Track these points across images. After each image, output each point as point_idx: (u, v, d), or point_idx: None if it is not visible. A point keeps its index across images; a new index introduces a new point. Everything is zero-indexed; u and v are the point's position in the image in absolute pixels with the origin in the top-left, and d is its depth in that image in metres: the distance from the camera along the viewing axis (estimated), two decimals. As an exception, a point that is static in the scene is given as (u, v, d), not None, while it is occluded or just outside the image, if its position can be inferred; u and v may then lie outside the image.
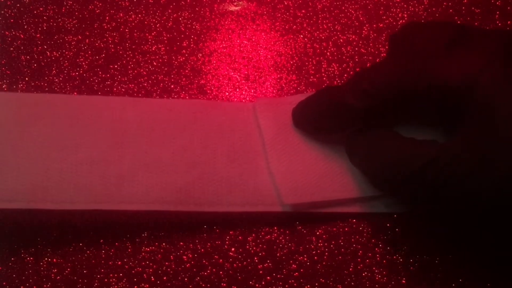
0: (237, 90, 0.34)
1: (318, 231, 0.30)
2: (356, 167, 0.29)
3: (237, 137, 0.31)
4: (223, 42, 0.36)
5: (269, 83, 0.34)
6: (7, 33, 0.35)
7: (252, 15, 0.37)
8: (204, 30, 0.36)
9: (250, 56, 0.35)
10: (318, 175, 0.30)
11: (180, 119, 0.31)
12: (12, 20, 0.36)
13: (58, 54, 0.35)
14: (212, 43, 0.36)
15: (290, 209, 0.29)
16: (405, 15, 0.37)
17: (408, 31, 0.28)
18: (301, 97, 0.31)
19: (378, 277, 0.29)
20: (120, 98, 0.33)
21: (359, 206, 0.30)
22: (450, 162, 0.23)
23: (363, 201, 0.30)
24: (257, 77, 0.35)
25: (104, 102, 0.32)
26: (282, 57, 0.35)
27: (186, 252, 0.29)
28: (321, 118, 0.29)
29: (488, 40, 0.25)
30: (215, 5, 0.37)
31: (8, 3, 0.36)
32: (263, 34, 0.36)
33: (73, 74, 0.34)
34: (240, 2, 0.37)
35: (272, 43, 0.36)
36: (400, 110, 0.27)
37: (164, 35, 0.36)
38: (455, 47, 0.25)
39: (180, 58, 0.35)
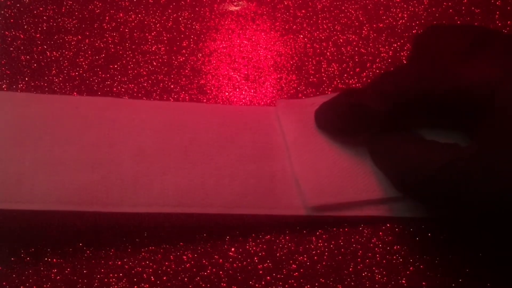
0: (237, 90, 0.34)
1: (318, 231, 0.30)
2: (378, 168, 0.29)
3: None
4: (223, 42, 0.36)
5: (269, 83, 0.34)
6: (7, 33, 0.35)
7: (252, 15, 0.37)
8: (204, 30, 0.36)
9: (250, 56, 0.35)
10: (342, 176, 0.29)
11: (87, 117, 0.30)
12: (12, 20, 0.36)
13: (58, 54, 0.35)
14: (212, 43, 0.36)
15: (311, 212, 0.29)
16: (405, 15, 0.37)
17: (430, 33, 0.28)
18: (322, 99, 0.31)
19: (378, 277, 0.29)
20: (23, 94, 0.32)
21: (381, 210, 0.30)
22: (465, 167, 0.23)
23: (385, 203, 0.30)
24: (257, 77, 0.35)
25: (6, 98, 0.31)
26: (282, 57, 0.35)
27: (186, 252, 0.29)
28: (344, 120, 0.29)
29: (511, 44, 0.25)
30: (215, 5, 0.37)
31: (8, 3, 0.36)
32: (263, 34, 0.36)
33: (73, 74, 0.34)
34: (240, 2, 0.37)
35: (272, 43, 0.36)
36: (422, 113, 0.27)
37: (164, 35, 0.36)
38: (477, 52, 0.25)
39: (180, 58, 0.35)
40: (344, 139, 0.30)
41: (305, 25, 0.37)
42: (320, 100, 0.31)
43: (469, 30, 0.27)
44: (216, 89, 0.34)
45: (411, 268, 0.29)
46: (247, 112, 0.32)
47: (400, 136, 0.28)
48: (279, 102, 0.32)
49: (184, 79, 0.34)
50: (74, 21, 0.36)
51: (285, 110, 0.32)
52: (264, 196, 0.29)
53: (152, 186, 0.28)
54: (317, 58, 0.35)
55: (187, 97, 0.34)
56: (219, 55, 0.35)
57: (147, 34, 0.36)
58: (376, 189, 0.29)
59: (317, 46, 0.36)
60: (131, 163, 0.29)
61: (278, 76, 0.35)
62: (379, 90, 0.27)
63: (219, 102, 0.34)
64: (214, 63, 0.35)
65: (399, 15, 0.37)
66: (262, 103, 0.34)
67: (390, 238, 0.30)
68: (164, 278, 0.29)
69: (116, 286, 0.28)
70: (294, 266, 0.29)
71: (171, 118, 0.31)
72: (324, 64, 0.35)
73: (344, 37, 0.36)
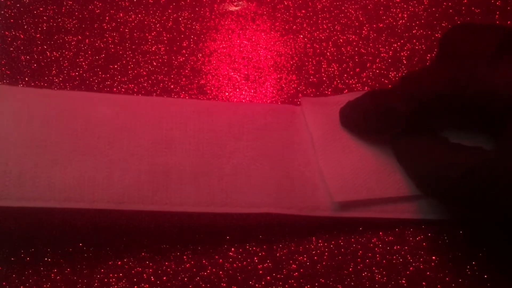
0: (237, 90, 0.34)
1: (318, 231, 0.30)
2: (402, 169, 0.29)
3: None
4: (223, 42, 0.36)
5: (269, 83, 0.34)
6: (7, 33, 0.35)
7: (252, 15, 0.37)
8: (204, 30, 0.36)
9: (250, 56, 0.35)
10: (367, 173, 0.29)
11: None
12: (12, 20, 0.36)
13: (58, 54, 0.35)
14: (212, 43, 0.36)
15: (333, 212, 0.29)
16: (405, 15, 0.37)
17: (457, 33, 0.28)
18: (347, 97, 0.31)
19: (378, 277, 0.29)
20: None
21: (406, 213, 0.30)
22: (490, 171, 0.23)
23: (410, 201, 0.30)
24: (257, 77, 0.35)
25: None
26: (282, 57, 0.35)
27: (186, 252, 0.29)
28: (369, 121, 0.29)
29: None
30: (215, 5, 0.37)
31: (8, 3, 0.36)
32: (263, 34, 0.36)
33: (73, 74, 0.34)
34: (240, 2, 0.37)
35: (272, 43, 0.36)
36: (447, 114, 0.27)
37: (164, 35, 0.36)
38: (505, 54, 0.25)
39: (180, 58, 0.35)
40: (368, 138, 0.30)
41: (305, 25, 0.37)
42: (344, 98, 0.31)
43: (497, 30, 0.27)
44: (216, 89, 0.34)
45: (411, 268, 0.29)
46: (147, 104, 0.31)
47: (424, 137, 0.28)
48: (304, 100, 0.32)
49: (184, 79, 0.34)
50: (74, 21, 0.36)
51: (310, 107, 0.32)
52: (157, 191, 0.28)
53: (38, 179, 0.27)
54: (317, 58, 0.35)
55: (187, 97, 0.34)
56: (219, 55, 0.35)
57: (147, 34, 0.36)
58: (401, 186, 0.29)
59: (317, 46, 0.36)
60: (17, 155, 0.27)
61: (278, 76, 0.35)
62: (404, 91, 0.27)
63: (219, 102, 0.34)
64: (214, 63, 0.35)
65: (399, 15, 0.37)
66: (262, 102, 0.34)
67: (390, 238, 0.30)
68: (164, 278, 0.29)
69: (116, 286, 0.28)
70: (294, 266, 0.29)
71: (63, 107, 0.29)
72: (324, 64, 0.35)
73: (344, 37, 0.36)
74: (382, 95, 0.28)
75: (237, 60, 0.35)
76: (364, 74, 0.35)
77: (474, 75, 0.25)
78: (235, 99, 0.34)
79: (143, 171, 0.28)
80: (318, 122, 0.31)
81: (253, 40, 0.36)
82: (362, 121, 0.30)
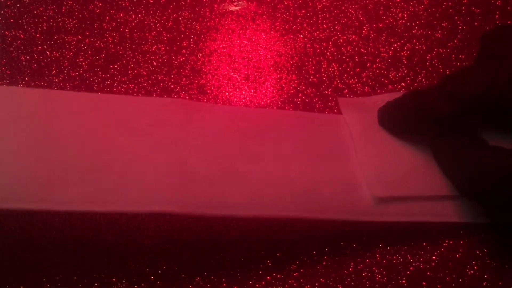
0: (237, 90, 0.34)
1: (318, 231, 0.30)
2: (442, 171, 0.29)
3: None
4: (223, 42, 0.36)
5: (269, 83, 0.34)
6: (7, 33, 0.35)
7: (252, 15, 0.37)
8: (204, 30, 0.36)
9: (250, 56, 0.35)
10: (406, 171, 0.29)
11: None
12: (12, 20, 0.36)
13: (58, 54, 0.35)
14: (212, 43, 0.36)
15: (372, 216, 0.29)
16: (405, 15, 0.37)
17: (498, 34, 0.28)
18: (384, 97, 0.31)
19: (378, 277, 0.29)
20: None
21: (443, 216, 0.29)
22: None
23: (447, 205, 0.29)
24: (257, 77, 0.35)
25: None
26: (282, 57, 0.35)
27: (186, 253, 0.29)
28: (407, 121, 0.29)
29: None
30: (215, 5, 0.37)
31: (8, 3, 0.36)
32: (263, 34, 0.36)
33: (73, 74, 0.34)
34: (240, 2, 0.37)
35: (272, 43, 0.36)
36: (486, 116, 0.27)
37: (164, 35, 0.36)
38: None
39: (180, 58, 0.35)
40: (407, 138, 0.31)
41: (305, 25, 0.37)
42: (382, 98, 0.31)
43: None
44: (216, 89, 0.34)
45: (411, 268, 0.29)
46: (30, 96, 0.30)
47: (464, 139, 0.28)
48: (341, 100, 0.33)
49: (184, 79, 0.34)
50: (74, 21, 0.36)
51: (348, 107, 0.32)
52: (40, 188, 0.26)
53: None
54: (317, 58, 0.35)
55: (187, 97, 0.34)
56: (219, 55, 0.35)
57: (147, 34, 0.36)
58: (440, 185, 0.29)
59: (317, 46, 0.36)
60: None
61: (278, 76, 0.35)
62: (445, 92, 0.27)
63: (219, 102, 0.34)
64: (214, 63, 0.35)
65: (399, 15, 0.37)
66: (262, 103, 0.34)
67: (390, 238, 0.30)
68: (164, 278, 0.29)
69: (116, 286, 0.28)
70: (294, 266, 0.29)
71: None
72: (324, 64, 0.35)
73: (344, 37, 0.36)
74: (423, 96, 0.28)
75: (237, 60, 0.35)
76: (364, 74, 0.35)
77: None
78: (235, 99, 0.34)
79: (27, 166, 0.27)
80: (357, 121, 0.31)
81: (253, 40, 0.36)
82: (402, 122, 0.30)
